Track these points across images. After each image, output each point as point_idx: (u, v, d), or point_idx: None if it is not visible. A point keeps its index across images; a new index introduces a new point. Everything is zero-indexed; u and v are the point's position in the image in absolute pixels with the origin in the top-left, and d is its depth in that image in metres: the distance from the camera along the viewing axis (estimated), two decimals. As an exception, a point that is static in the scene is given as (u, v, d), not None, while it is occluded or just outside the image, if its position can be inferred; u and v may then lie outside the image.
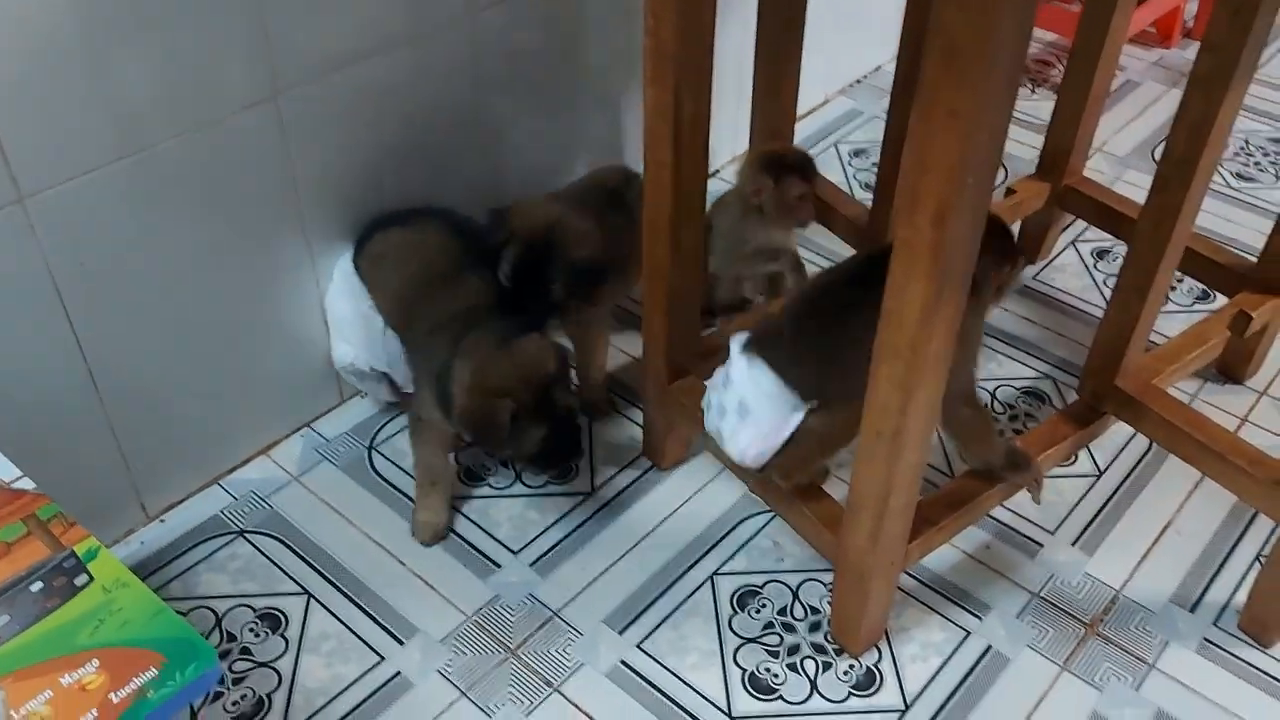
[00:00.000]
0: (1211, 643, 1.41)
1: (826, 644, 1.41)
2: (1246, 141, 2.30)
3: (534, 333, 1.44)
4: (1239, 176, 2.21)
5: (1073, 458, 1.64)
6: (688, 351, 1.51)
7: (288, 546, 1.52)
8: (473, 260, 1.53)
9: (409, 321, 1.53)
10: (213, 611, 1.45)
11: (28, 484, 1.09)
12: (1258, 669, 1.38)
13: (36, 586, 1.00)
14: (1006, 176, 2.11)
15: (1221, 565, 1.50)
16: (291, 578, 1.48)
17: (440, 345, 1.43)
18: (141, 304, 1.40)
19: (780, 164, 1.68)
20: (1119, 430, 1.65)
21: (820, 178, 1.76)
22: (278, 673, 1.38)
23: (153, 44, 1.26)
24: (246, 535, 1.54)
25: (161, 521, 1.55)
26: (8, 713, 0.90)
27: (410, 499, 1.56)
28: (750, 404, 1.30)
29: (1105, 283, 1.95)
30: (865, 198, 2.02)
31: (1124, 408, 1.47)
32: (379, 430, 1.69)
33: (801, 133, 2.20)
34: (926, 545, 1.36)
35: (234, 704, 1.34)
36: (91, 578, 1.01)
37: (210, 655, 0.96)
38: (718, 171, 2.15)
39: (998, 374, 1.78)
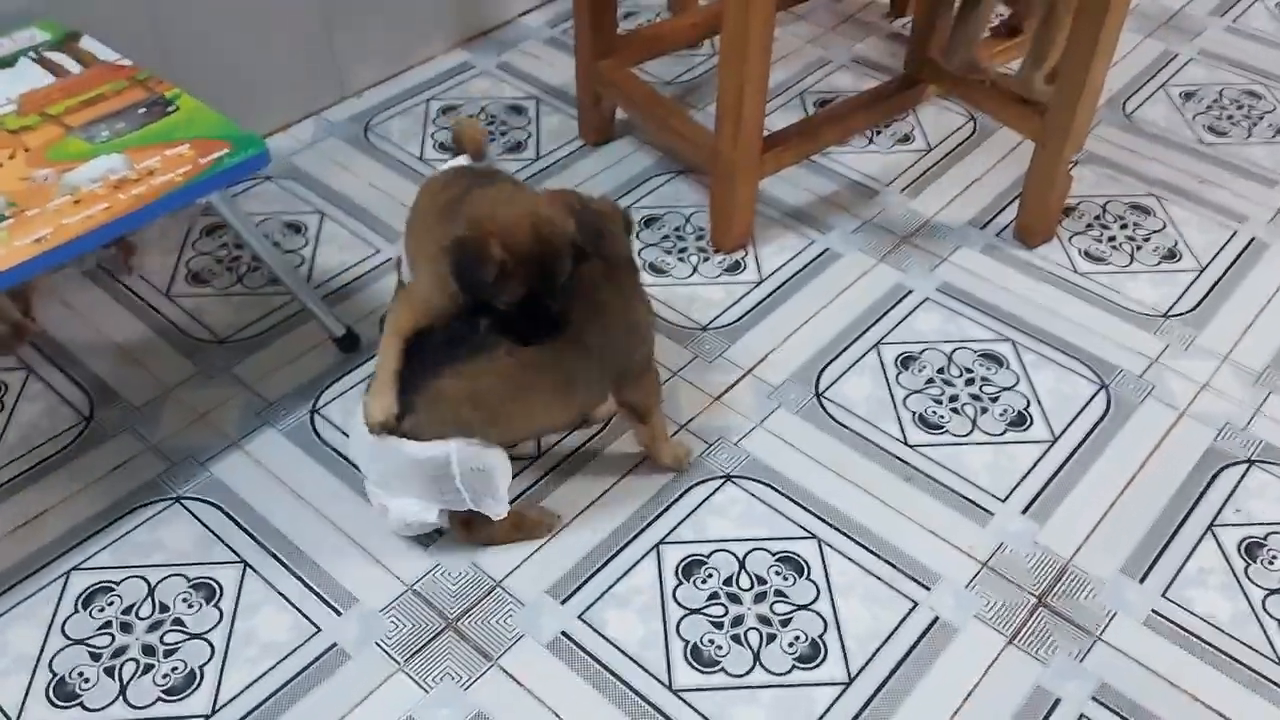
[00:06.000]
0: (993, 246, 1.90)
1: (707, 248, 1.90)
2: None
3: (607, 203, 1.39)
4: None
5: (911, 138, 2.12)
6: (610, 35, 1.96)
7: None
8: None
9: None
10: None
11: (126, 61, 1.54)
12: (1023, 259, 1.87)
13: (141, 110, 1.47)
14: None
15: (1011, 202, 1.98)
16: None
17: None
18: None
19: None
20: (952, 119, 2.14)
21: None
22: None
23: None
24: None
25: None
26: (131, 167, 1.36)
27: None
28: None
29: None
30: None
31: (932, 73, 1.95)
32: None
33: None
34: (778, 160, 1.84)
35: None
36: (179, 108, 1.47)
37: (261, 145, 1.43)
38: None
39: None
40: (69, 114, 1.45)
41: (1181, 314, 1.78)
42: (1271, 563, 1.44)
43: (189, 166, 1.38)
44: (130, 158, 1.38)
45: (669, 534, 1.46)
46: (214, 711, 1.28)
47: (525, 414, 1.34)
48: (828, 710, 1.29)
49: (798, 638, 1.35)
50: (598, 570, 1.42)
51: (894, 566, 1.43)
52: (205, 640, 1.34)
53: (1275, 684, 1.32)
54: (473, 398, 1.28)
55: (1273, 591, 1.41)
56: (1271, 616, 1.38)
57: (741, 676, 1.32)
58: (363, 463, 1.38)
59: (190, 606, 1.37)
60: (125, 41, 1.61)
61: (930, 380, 1.66)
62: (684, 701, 1.29)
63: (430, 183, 1.50)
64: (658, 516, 1.48)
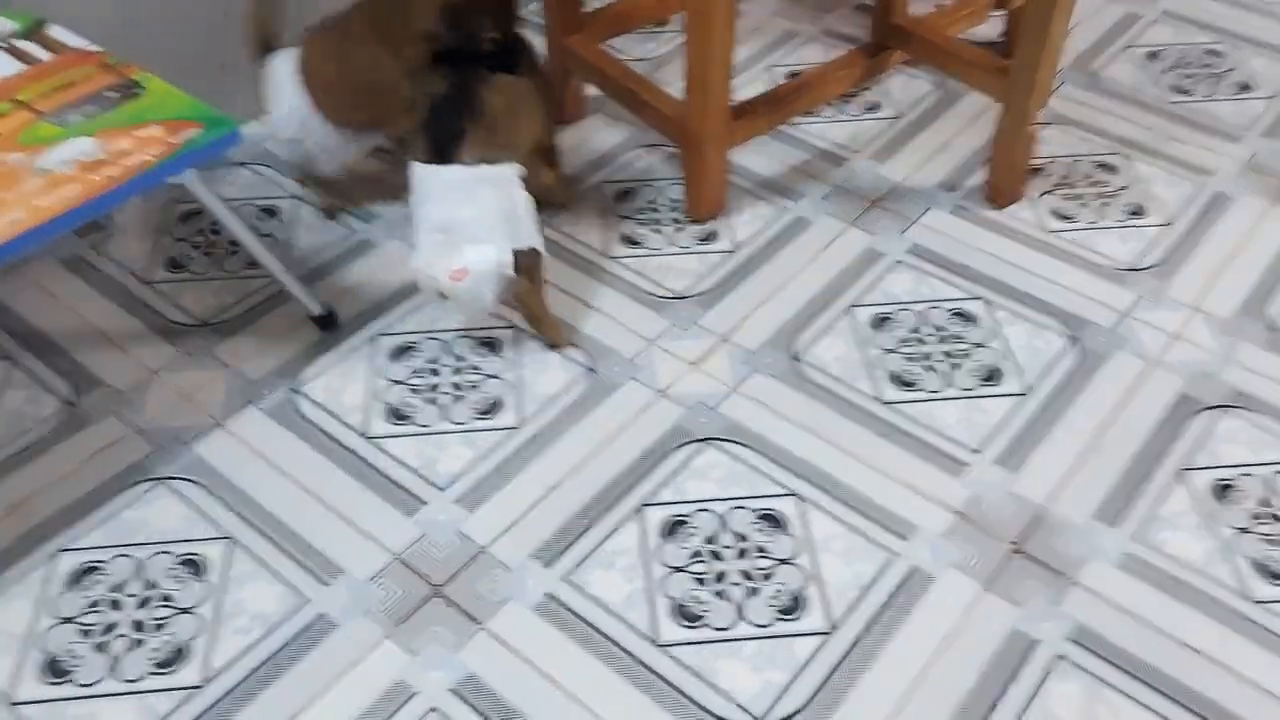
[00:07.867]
0: (962, 207, 1.92)
1: (683, 219, 1.91)
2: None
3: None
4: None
5: (879, 106, 2.14)
6: (577, 13, 1.97)
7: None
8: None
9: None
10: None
11: (94, 47, 1.55)
12: (992, 220, 1.90)
13: (110, 94, 1.47)
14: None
15: (979, 165, 2.00)
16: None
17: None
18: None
19: None
20: (919, 86, 2.16)
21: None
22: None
23: None
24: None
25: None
26: (102, 149, 1.37)
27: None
28: None
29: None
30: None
31: (898, 39, 1.97)
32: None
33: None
34: (748, 129, 1.86)
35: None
36: (148, 91, 1.48)
37: (233, 125, 1.44)
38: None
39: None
40: (39, 100, 1.46)
41: (1151, 267, 1.81)
42: (1242, 503, 1.47)
43: (161, 147, 1.39)
44: (102, 140, 1.39)
45: (651, 497, 1.48)
46: (206, 682, 1.29)
47: (530, 127, 1.65)
48: (810, 659, 1.31)
49: (779, 591, 1.38)
50: (582, 534, 1.44)
51: (872, 519, 1.45)
52: (195, 614, 1.36)
53: (1247, 618, 1.35)
54: (509, 108, 1.57)
55: (1243, 531, 1.44)
56: (1242, 555, 1.41)
57: (726, 630, 1.34)
58: (434, 221, 1.52)
59: (179, 582, 1.39)
60: (94, 31, 1.61)
61: (904, 340, 1.69)
62: (670, 656, 1.31)
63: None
64: (639, 481, 1.50)
